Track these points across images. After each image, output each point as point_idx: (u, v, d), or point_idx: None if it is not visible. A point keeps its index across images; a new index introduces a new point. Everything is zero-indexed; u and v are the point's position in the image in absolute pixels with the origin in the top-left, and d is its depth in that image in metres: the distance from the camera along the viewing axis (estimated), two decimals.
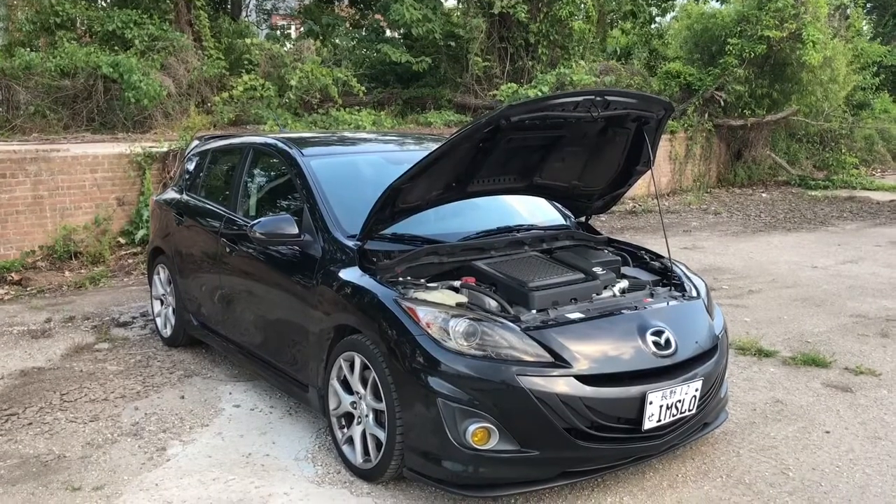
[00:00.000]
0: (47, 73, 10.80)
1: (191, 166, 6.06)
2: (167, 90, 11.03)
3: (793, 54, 14.79)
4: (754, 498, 3.58)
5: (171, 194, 6.13)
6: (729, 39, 14.97)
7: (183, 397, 4.85)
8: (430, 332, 3.40)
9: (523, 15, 14.16)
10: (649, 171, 4.38)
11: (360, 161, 5.02)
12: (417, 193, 3.89)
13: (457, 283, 3.84)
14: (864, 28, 23.66)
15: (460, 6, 15.76)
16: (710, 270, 8.32)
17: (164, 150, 9.27)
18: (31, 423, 4.46)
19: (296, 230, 4.19)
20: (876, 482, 3.73)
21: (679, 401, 3.53)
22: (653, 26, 20.53)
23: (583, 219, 4.97)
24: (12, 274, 7.92)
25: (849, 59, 17.03)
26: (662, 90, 15.06)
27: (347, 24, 16.43)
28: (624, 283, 4.07)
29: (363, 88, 13.09)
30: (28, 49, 11.61)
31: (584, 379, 3.35)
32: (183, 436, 4.29)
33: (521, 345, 3.37)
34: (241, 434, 4.30)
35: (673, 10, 20.11)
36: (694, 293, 4.10)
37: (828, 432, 4.28)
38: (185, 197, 5.83)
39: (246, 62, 12.50)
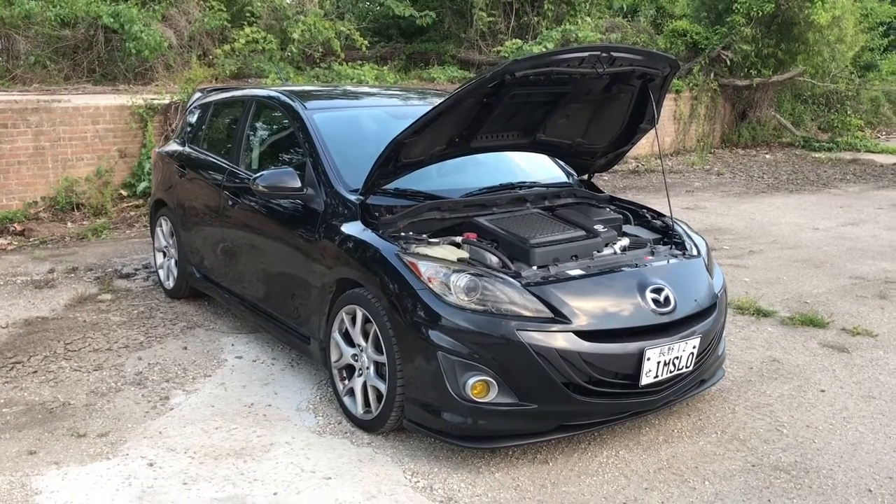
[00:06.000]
0: (47, 22, 10.68)
1: (193, 119, 6.04)
2: (168, 42, 10.92)
3: (801, 13, 14.59)
4: (748, 453, 3.64)
5: (173, 146, 6.12)
6: None
7: (186, 348, 4.90)
8: (431, 286, 3.43)
9: None
10: (653, 130, 4.37)
11: (364, 115, 5.01)
12: (420, 148, 3.88)
13: (458, 239, 3.85)
14: None
15: None
16: (712, 230, 8.33)
17: (166, 102, 9.21)
18: (36, 371, 4.52)
19: (298, 184, 4.20)
20: (868, 440, 3.79)
21: (676, 357, 3.57)
22: None
23: (585, 177, 4.96)
24: (15, 224, 7.94)
25: (857, 19, 16.81)
26: (668, 48, 14.90)
27: None
28: (625, 241, 4.09)
29: (366, 42, 12.94)
30: None
31: (583, 334, 3.39)
32: (186, 386, 4.35)
33: (522, 300, 3.40)
34: (243, 385, 4.36)
35: None
36: (694, 252, 4.12)
37: (823, 391, 4.33)
38: (187, 149, 5.82)
39: (248, 14, 12.34)
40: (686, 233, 4.34)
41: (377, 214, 3.93)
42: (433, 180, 4.35)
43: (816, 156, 15.10)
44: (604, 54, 3.68)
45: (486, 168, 4.70)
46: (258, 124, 5.17)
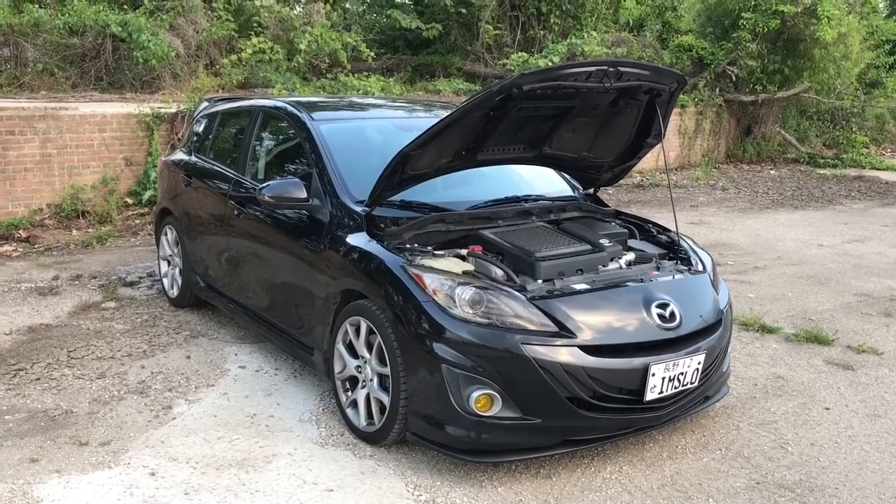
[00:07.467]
0: (56, 30, 10.73)
1: (200, 128, 6.05)
2: (175, 51, 10.96)
3: (806, 30, 14.62)
4: (752, 471, 3.62)
5: (179, 155, 6.13)
6: (743, 13, 14.79)
7: (189, 357, 4.89)
8: (436, 298, 3.43)
9: None
10: (659, 145, 4.37)
11: (370, 127, 5.02)
12: (427, 161, 3.89)
13: (464, 252, 3.85)
14: (881, 5, 23.37)
15: None
16: (717, 246, 8.32)
17: (173, 111, 9.25)
18: (38, 379, 4.52)
19: (304, 194, 4.20)
20: (874, 458, 3.76)
21: (681, 373, 3.56)
22: None
23: (591, 190, 4.96)
24: (20, 231, 7.95)
25: (863, 37, 16.83)
26: (674, 63, 14.93)
27: None
28: (630, 256, 4.08)
29: (372, 54, 12.98)
30: (37, 5, 11.54)
31: (588, 349, 3.38)
32: (189, 395, 4.34)
33: (526, 314, 3.39)
34: (246, 395, 4.35)
35: None
36: (700, 267, 4.11)
37: (828, 409, 4.31)
38: (193, 158, 5.83)
39: (255, 24, 12.39)
40: (691, 248, 4.33)
41: (382, 226, 3.93)
42: (439, 192, 4.35)
43: (821, 172, 15.09)
44: (611, 69, 3.69)
45: (492, 181, 4.70)
46: (264, 134, 5.19)
